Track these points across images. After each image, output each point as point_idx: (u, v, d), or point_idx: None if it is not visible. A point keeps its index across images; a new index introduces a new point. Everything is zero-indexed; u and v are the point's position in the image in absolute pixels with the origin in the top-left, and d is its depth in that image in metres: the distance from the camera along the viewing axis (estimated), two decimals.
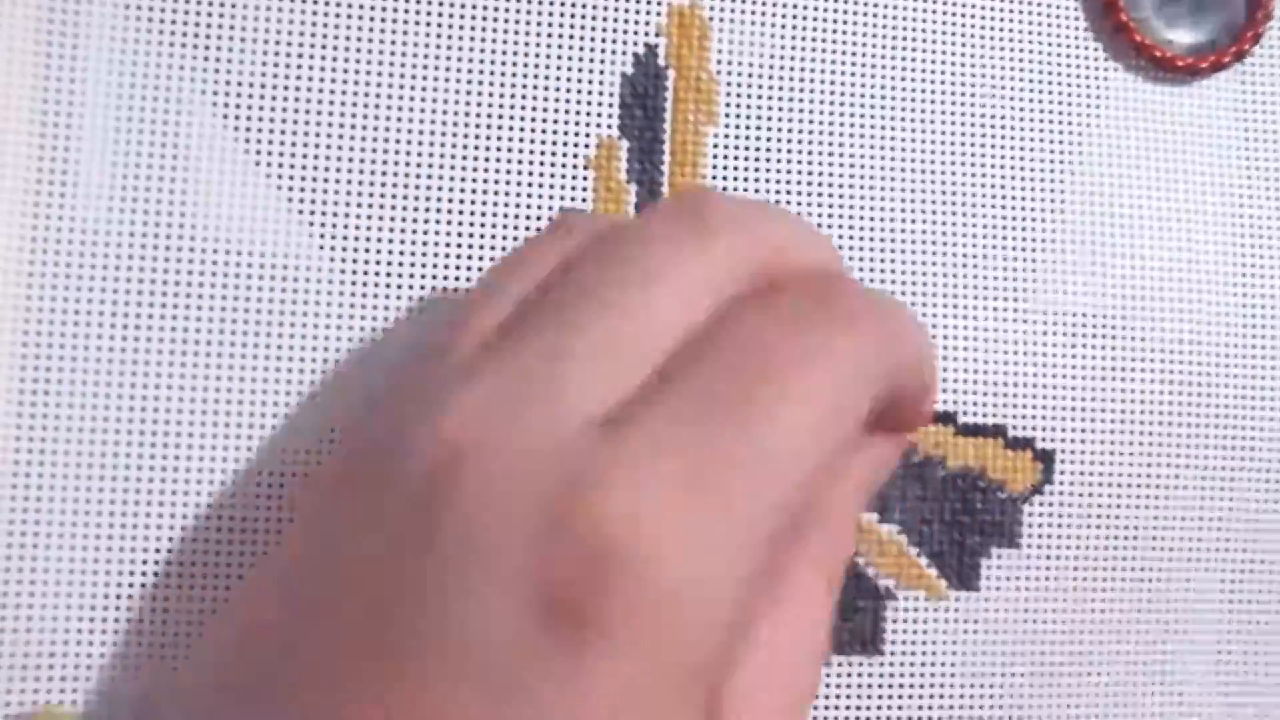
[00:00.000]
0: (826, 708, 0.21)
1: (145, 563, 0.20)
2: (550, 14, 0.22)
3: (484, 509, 0.13)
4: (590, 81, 0.22)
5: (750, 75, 0.22)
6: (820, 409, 0.14)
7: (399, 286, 0.21)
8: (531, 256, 0.17)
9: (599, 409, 0.14)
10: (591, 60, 0.22)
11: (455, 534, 0.13)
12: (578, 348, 0.14)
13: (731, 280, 0.15)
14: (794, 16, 0.23)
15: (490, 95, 0.21)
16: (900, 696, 0.21)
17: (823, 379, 0.14)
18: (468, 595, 0.13)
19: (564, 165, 0.22)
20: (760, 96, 0.22)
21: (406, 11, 0.21)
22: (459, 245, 0.21)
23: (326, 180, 0.21)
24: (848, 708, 0.21)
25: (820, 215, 0.22)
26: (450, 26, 0.21)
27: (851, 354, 0.15)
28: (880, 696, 0.21)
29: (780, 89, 0.22)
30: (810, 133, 0.22)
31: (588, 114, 0.22)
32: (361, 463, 0.15)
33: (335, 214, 0.21)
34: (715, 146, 0.22)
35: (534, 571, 0.13)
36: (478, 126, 0.21)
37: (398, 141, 0.21)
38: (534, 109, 0.22)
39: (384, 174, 0.21)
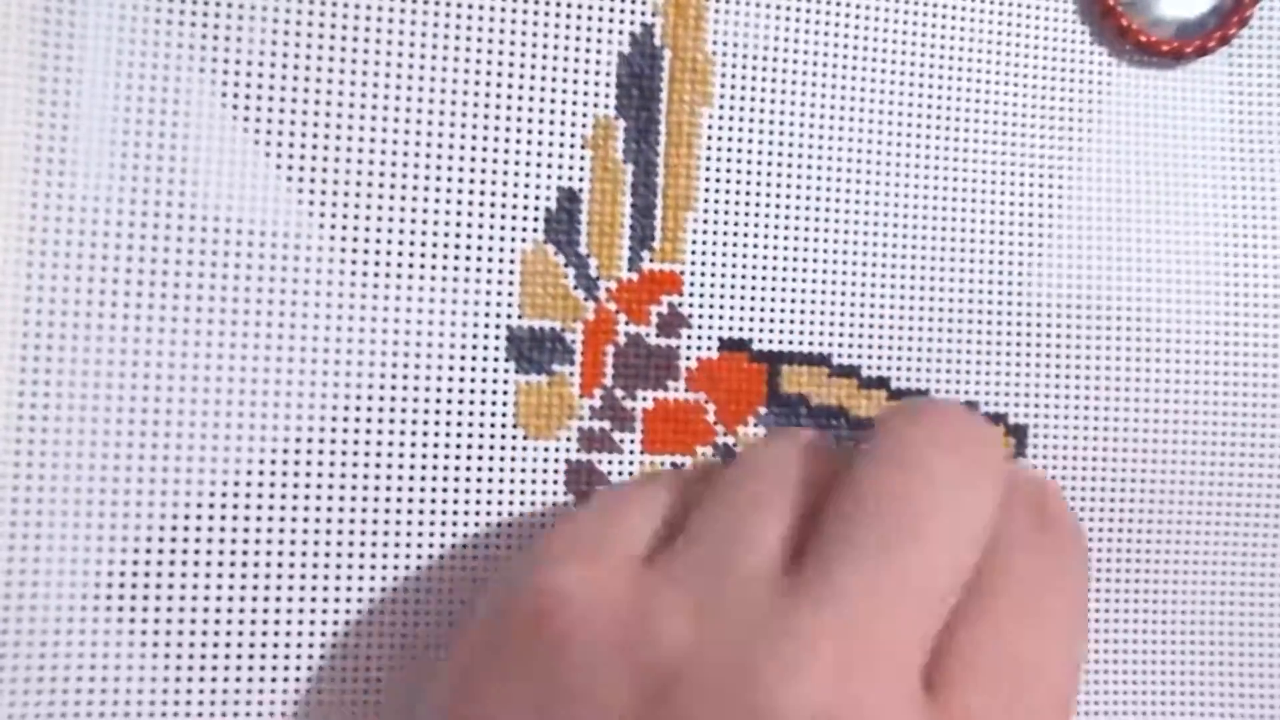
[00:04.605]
0: None
1: (145, 563, 0.20)
2: None
3: None
4: (587, 61, 0.22)
5: (746, 56, 0.23)
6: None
7: (400, 266, 0.21)
8: (786, 471, 0.18)
9: (923, 660, 0.17)
10: (589, 40, 0.22)
11: None
12: (901, 606, 0.16)
13: (997, 510, 0.18)
14: None
15: (488, 74, 0.22)
16: None
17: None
18: None
19: (562, 144, 0.22)
20: (756, 77, 0.23)
21: None
22: (459, 224, 0.22)
23: (326, 163, 0.21)
24: None
25: (810, 196, 0.23)
26: (449, 6, 0.22)
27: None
28: None
29: (775, 71, 0.23)
30: (804, 115, 0.23)
31: (585, 93, 0.22)
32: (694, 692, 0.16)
33: (335, 196, 0.21)
34: (710, 128, 0.22)
35: None
36: (475, 105, 0.22)
37: (397, 121, 0.21)
38: (532, 88, 0.22)
39: (384, 154, 0.21)
